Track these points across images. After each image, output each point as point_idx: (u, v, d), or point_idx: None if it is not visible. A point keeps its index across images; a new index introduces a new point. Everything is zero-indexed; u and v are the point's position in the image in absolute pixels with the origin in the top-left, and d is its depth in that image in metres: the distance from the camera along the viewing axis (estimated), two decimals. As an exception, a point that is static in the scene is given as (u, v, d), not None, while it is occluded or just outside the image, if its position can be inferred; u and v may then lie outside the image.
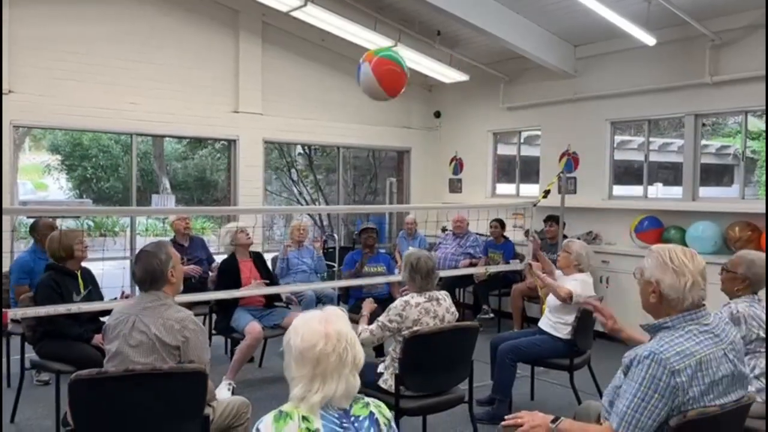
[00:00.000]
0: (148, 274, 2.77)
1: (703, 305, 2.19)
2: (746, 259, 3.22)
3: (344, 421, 1.77)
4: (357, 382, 1.81)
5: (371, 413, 1.83)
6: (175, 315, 2.72)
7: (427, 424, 3.84)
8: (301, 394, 1.74)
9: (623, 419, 2.07)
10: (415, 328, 3.41)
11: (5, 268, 5.11)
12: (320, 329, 1.78)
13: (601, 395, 2.85)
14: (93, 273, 4.41)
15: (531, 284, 6.49)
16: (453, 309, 3.64)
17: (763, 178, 6.36)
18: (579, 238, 7.20)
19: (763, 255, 3.31)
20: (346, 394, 1.78)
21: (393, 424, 1.89)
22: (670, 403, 2.04)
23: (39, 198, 17.91)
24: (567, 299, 4.33)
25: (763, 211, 5.49)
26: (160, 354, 2.66)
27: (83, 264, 4.33)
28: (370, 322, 3.67)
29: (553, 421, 2.31)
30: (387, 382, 3.45)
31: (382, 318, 3.51)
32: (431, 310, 3.49)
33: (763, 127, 6.31)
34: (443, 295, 3.63)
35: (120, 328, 2.72)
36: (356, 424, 1.78)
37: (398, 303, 3.49)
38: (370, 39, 7.60)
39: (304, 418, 1.73)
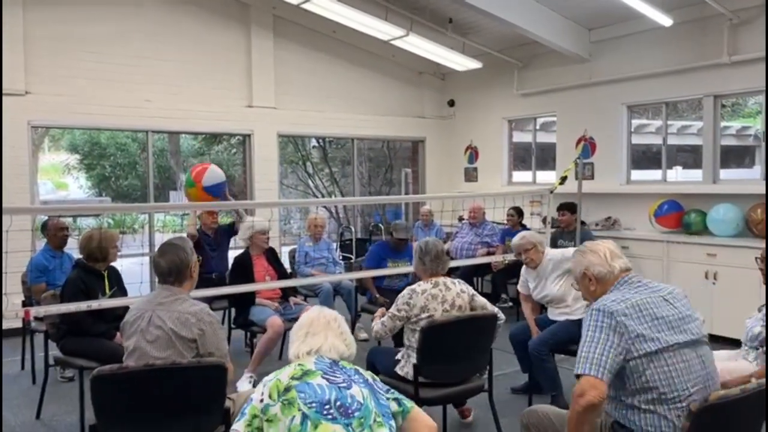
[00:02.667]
0: (175, 266, 2.80)
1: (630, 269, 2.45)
2: None
3: (335, 367, 2.14)
4: (344, 347, 2.24)
5: (357, 369, 2.19)
6: (189, 308, 2.74)
7: (447, 414, 3.83)
8: (294, 350, 2.22)
9: (579, 362, 2.19)
10: (423, 315, 3.42)
11: (24, 267, 5.20)
12: (318, 311, 2.37)
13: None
14: (119, 272, 4.40)
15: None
16: (467, 291, 3.59)
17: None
18: (597, 224, 7.16)
19: None
20: (334, 348, 2.21)
21: (377, 379, 2.22)
22: (619, 340, 2.16)
23: (59, 197, 18.14)
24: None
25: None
26: (176, 348, 2.68)
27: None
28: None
29: None
30: (403, 369, 3.47)
31: (392, 309, 3.54)
32: (438, 295, 3.47)
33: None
34: (455, 280, 3.60)
35: (137, 324, 2.75)
36: (344, 371, 2.14)
37: (405, 292, 3.51)
38: (381, 29, 7.57)
39: (299, 364, 2.12)
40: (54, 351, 4.21)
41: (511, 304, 7.05)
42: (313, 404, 1.98)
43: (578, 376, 2.17)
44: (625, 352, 2.16)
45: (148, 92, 7.23)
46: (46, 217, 5.78)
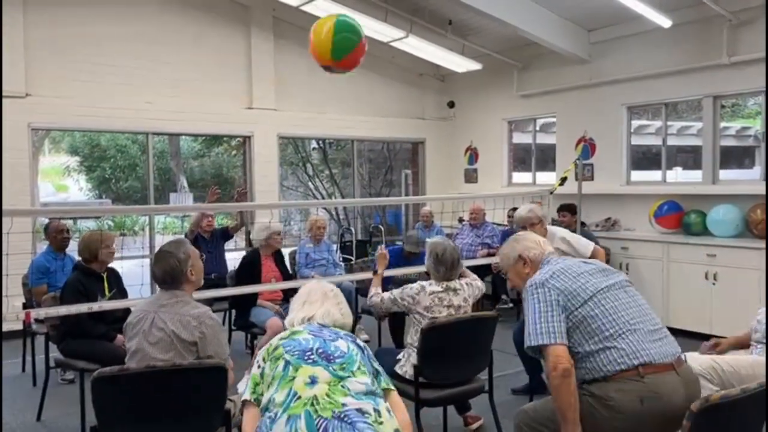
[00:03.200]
0: (167, 274, 2.79)
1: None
2: None
3: (323, 329, 2.23)
4: (339, 315, 2.34)
5: (348, 333, 2.26)
6: (191, 311, 2.74)
7: (447, 414, 3.83)
8: (290, 318, 2.37)
9: (533, 335, 2.34)
10: (427, 315, 3.45)
11: (25, 270, 5.20)
12: (316, 282, 2.52)
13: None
14: (119, 274, 4.41)
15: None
16: (475, 293, 3.66)
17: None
18: (597, 225, 7.16)
19: None
20: (328, 315, 2.31)
21: (368, 347, 2.27)
22: (557, 300, 2.36)
23: (60, 199, 18.14)
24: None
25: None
26: (178, 350, 2.68)
27: (110, 265, 4.35)
28: (384, 288, 3.86)
29: None
30: (403, 368, 3.48)
31: (395, 292, 3.60)
32: (445, 299, 3.52)
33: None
34: (463, 284, 3.63)
35: (140, 325, 2.75)
36: (333, 331, 2.23)
37: (416, 285, 3.57)
38: (381, 30, 7.57)
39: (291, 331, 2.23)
40: (55, 353, 4.21)
41: (511, 305, 7.05)
42: (296, 352, 2.08)
43: (539, 349, 2.32)
44: (566, 312, 2.35)
45: (148, 94, 7.23)
46: (48, 220, 5.78)
